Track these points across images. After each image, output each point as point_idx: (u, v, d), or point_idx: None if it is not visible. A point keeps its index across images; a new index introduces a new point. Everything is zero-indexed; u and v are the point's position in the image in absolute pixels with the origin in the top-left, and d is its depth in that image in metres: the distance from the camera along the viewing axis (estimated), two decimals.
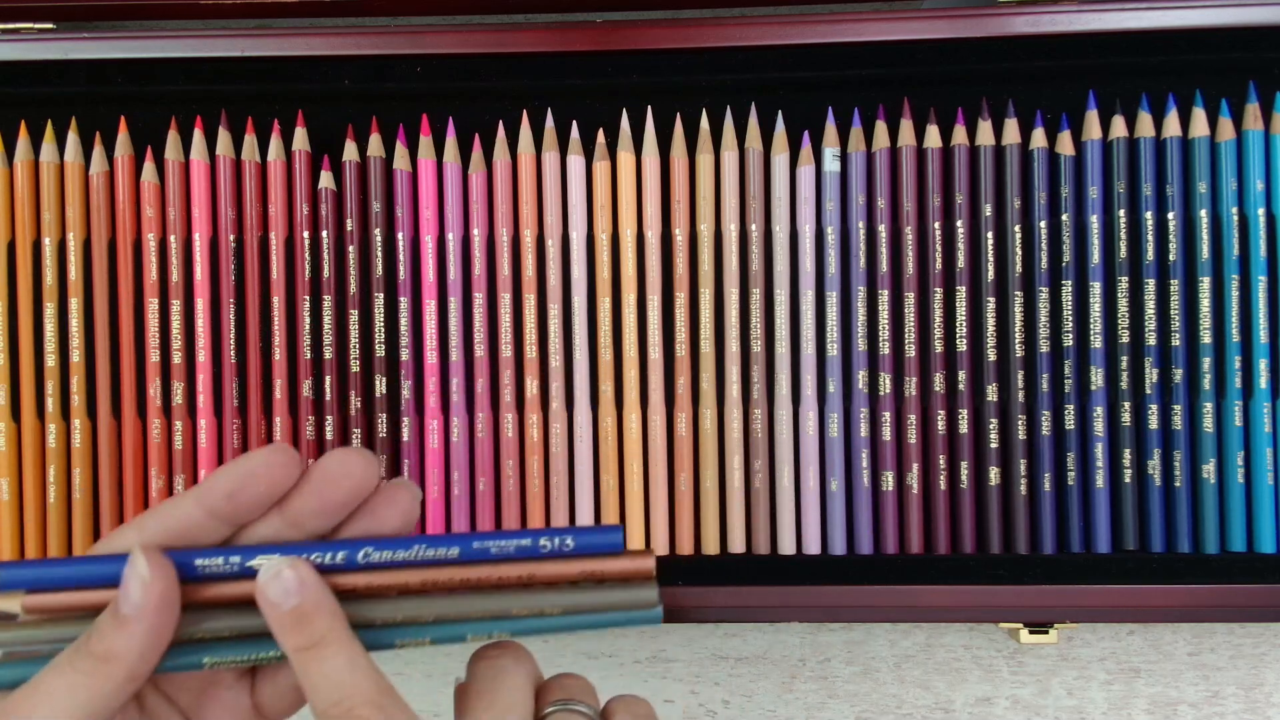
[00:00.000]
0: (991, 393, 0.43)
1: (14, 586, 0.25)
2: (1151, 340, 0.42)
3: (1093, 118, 0.43)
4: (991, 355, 0.43)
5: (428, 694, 0.47)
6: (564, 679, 0.28)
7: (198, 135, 0.44)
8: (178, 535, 0.25)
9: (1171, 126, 0.42)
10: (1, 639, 0.25)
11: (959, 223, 0.43)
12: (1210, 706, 0.46)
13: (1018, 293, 0.43)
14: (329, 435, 0.43)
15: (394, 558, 0.26)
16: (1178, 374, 0.42)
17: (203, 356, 0.43)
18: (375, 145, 0.43)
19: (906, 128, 0.43)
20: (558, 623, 0.27)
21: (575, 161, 0.44)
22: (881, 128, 0.43)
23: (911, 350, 0.43)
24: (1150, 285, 0.42)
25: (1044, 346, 0.43)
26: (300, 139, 0.44)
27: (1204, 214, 0.42)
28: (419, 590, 0.26)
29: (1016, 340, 0.43)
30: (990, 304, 0.43)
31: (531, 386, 0.43)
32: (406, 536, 0.26)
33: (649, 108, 0.44)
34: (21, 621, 0.26)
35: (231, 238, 0.44)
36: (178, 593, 0.24)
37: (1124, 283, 0.43)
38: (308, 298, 0.43)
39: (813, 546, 0.43)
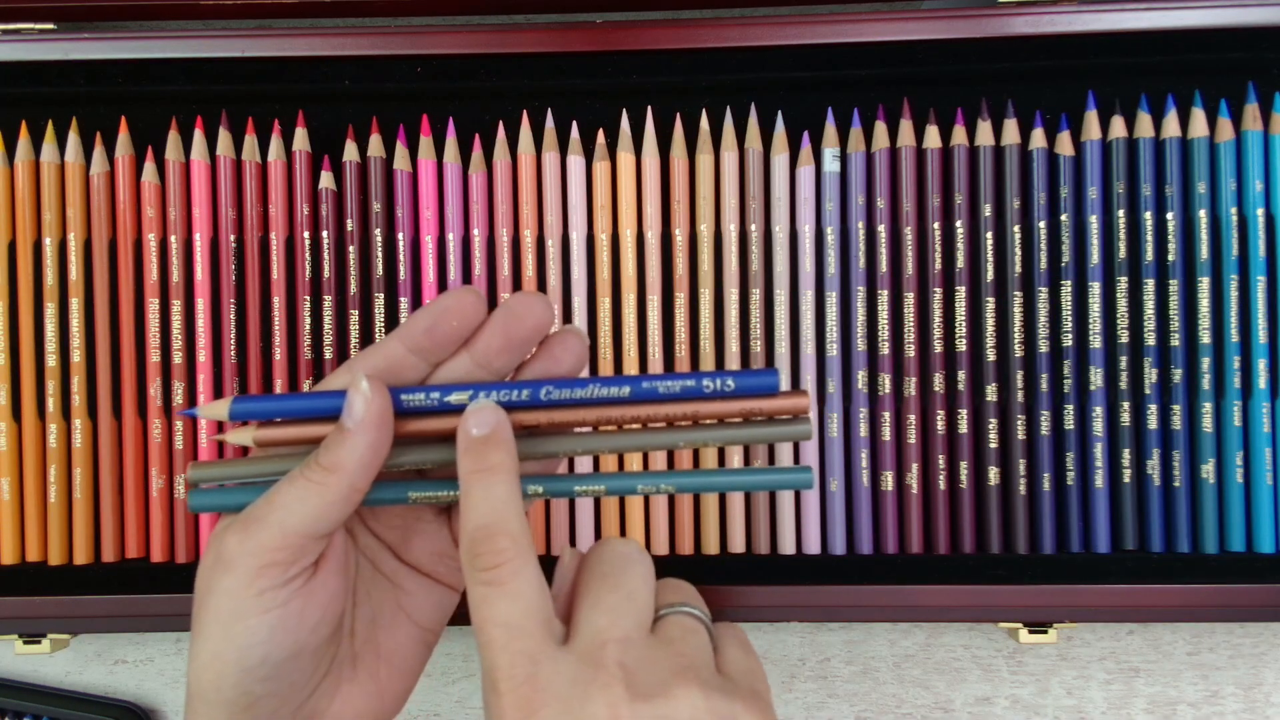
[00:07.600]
0: (991, 393, 0.43)
1: (246, 417, 0.29)
2: (1150, 340, 0.42)
3: (1092, 118, 0.43)
4: (991, 355, 0.43)
5: (429, 694, 0.47)
6: (677, 583, 0.29)
7: (198, 135, 0.44)
8: (385, 373, 0.28)
9: (1171, 127, 0.42)
10: (232, 471, 0.29)
11: (958, 223, 0.43)
12: (1209, 706, 0.46)
13: (1017, 293, 0.43)
14: None
15: (571, 395, 0.28)
16: (1177, 374, 0.42)
17: (203, 356, 0.43)
18: (375, 145, 0.43)
19: (906, 128, 0.43)
20: (720, 481, 0.29)
21: (575, 162, 0.44)
22: (881, 128, 0.43)
23: (911, 350, 0.43)
24: (1149, 285, 0.42)
25: (1043, 346, 0.43)
26: (300, 139, 0.44)
27: (1203, 214, 0.42)
28: (594, 425, 0.28)
29: (1016, 340, 0.43)
30: (989, 304, 0.43)
31: None
32: (581, 378, 0.28)
33: (649, 108, 0.44)
34: (251, 457, 0.29)
35: (232, 238, 0.44)
36: (392, 411, 0.27)
37: (1123, 283, 0.43)
38: (308, 298, 0.44)
39: (813, 546, 0.43)
